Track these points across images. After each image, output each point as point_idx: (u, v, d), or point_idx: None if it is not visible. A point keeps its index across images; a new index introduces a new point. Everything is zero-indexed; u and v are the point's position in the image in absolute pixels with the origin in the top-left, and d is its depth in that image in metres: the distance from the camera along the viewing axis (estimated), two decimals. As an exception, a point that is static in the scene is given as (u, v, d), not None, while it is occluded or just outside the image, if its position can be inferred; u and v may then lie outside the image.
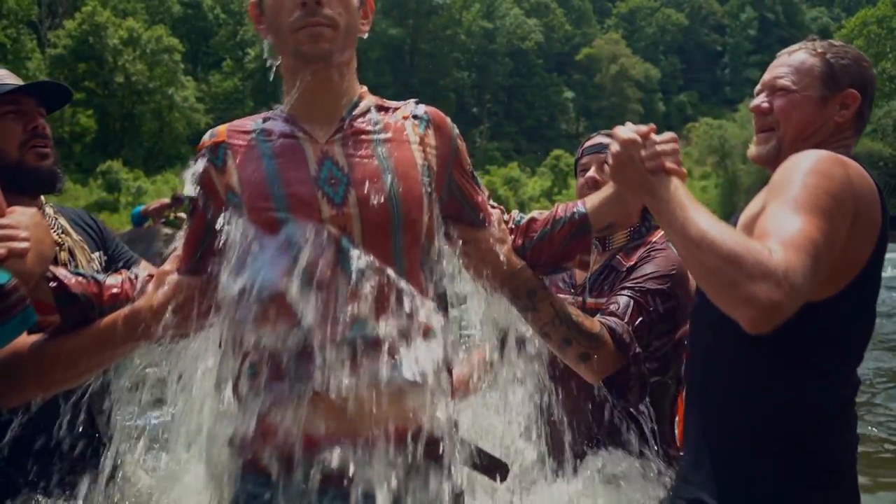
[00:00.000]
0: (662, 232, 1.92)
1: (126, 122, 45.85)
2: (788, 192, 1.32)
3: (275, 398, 1.23)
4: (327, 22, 1.25)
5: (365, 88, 1.42)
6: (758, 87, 1.62)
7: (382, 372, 1.21)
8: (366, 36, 1.38)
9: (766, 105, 1.56)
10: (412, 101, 1.45)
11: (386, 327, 1.23)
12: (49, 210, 1.79)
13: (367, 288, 1.22)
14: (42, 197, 1.76)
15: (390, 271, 1.24)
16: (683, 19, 71.10)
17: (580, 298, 1.92)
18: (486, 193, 1.52)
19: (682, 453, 1.80)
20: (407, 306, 1.24)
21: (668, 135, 1.39)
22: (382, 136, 1.33)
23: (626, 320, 1.70)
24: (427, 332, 1.27)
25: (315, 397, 1.21)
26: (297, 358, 1.22)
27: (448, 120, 1.43)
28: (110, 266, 1.90)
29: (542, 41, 62.58)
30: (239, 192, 1.28)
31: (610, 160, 1.41)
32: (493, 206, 1.52)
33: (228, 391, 1.30)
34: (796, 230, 1.23)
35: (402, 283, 1.25)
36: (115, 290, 1.36)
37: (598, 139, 2.02)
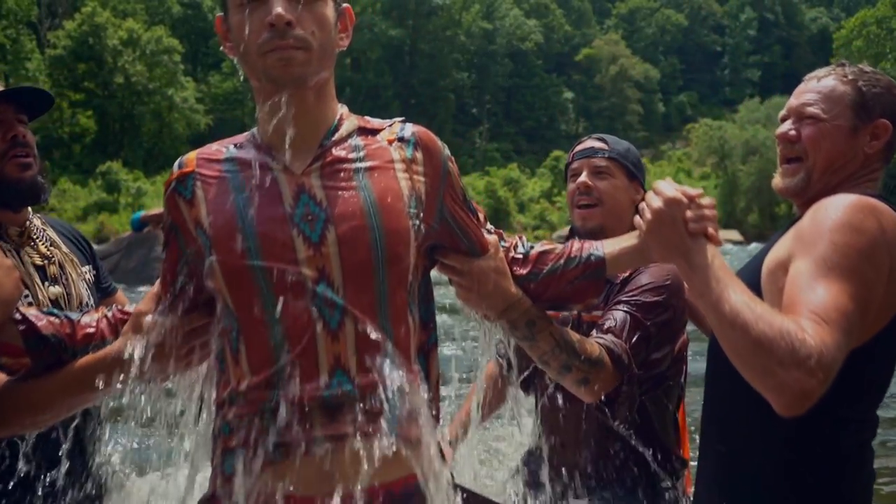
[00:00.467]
0: None
1: (126, 123, 45.85)
2: (818, 250, 1.26)
3: (249, 457, 1.15)
4: (299, 44, 1.14)
5: (345, 109, 1.30)
6: (783, 112, 1.55)
7: (363, 429, 1.13)
8: (345, 48, 1.27)
9: (793, 133, 1.50)
10: (399, 120, 1.33)
11: (366, 382, 1.14)
12: (37, 222, 1.72)
13: (348, 339, 1.14)
14: (29, 208, 1.70)
15: (370, 326, 1.14)
16: (683, 20, 71.12)
17: (574, 312, 1.86)
18: (482, 217, 1.42)
19: (688, 466, 1.78)
20: (389, 359, 1.15)
21: (710, 200, 1.34)
22: (364, 163, 1.21)
23: (623, 337, 1.66)
24: (410, 387, 1.17)
25: (289, 455, 1.14)
26: (272, 414, 1.13)
27: (438, 141, 1.31)
28: (98, 284, 1.84)
29: (541, 42, 62.59)
30: (207, 231, 1.18)
31: (648, 215, 1.33)
32: (490, 232, 1.42)
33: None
34: (828, 302, 1.19)
35: (383, 337, 1.15)
36: (89, 330, 1.28)
37: (589, 143, 1.96)
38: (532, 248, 1.46)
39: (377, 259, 1.15)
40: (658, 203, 1.31)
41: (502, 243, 1.44)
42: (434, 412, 1.27)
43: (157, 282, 1.30)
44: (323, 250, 1.14)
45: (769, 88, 61.51)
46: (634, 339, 1.67)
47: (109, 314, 1.33)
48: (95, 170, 39.48)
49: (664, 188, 1.34)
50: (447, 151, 1.32)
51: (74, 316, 1.32)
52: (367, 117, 1.33)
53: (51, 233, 1.75)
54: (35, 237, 1.68)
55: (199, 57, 56.60)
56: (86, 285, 1.73)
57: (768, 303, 1.26)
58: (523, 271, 1.41)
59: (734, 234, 38.53)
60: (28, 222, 1.67)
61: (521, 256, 1.43)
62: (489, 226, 1.43)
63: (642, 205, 1.36)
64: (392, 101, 55.62)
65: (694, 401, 2.45)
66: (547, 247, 1.46)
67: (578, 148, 1.97)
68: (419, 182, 1.25)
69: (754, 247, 30.11)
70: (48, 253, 1.67)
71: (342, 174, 1.19)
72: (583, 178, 1.89)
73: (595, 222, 1.85)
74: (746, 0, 71.76)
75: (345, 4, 1.25)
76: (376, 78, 55.61)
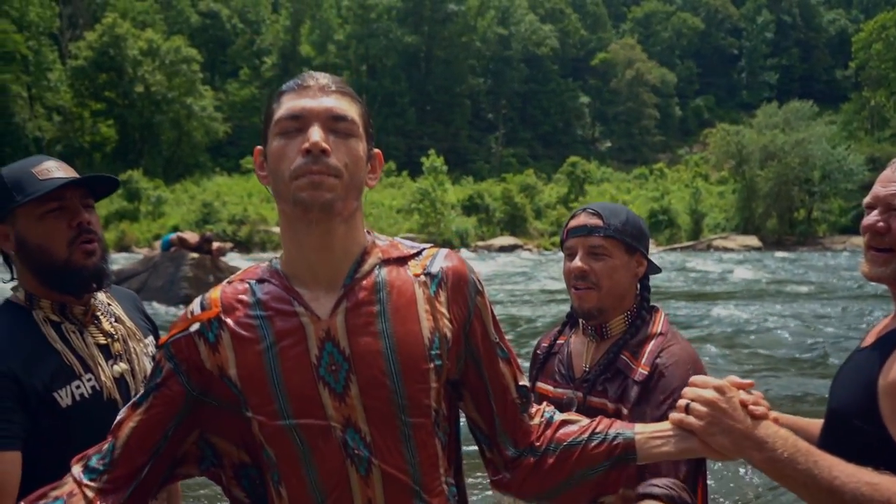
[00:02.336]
0: (663, 314, 1.81)
1: (145, 132, 46.38)
2: None
3: None
4: (331, 171, 1.14)
5: (372, 239, 1.27)
6: (868, 199, 1.52)
7: None
8: (372, 188, 1.25)
9: (882, 225, 1.46)
10: (430, 247, 1.31)
11: None
12: (101, 296, 1.72)
13: (376, 483, 1.18)
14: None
15: (395, 468, 1.18)
16: (699, 23, 70.79)
17: (580, 395, 1.76)
18: (516, 367, 1.33)
19: None
20: (416, 497, 1.19)
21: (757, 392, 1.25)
22: (387, 303, 1.20)
23: (678, 472, 1.53)
24: None
25: None
26: None
27: (468, 275, 1.27)
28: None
29: (557, 47, 62.60)
30: (237, 384, 1.20)
31: (701, 408, 1.23)
32: (526, 389, 1.34)
33: None
34: None
35: (409, 475, 1.19)
36: None
37: (584, 219, 1.78)
38: (554, 415, 1.35)
39: (398, 405, 1.18)
40: (710, 394, 1.23)
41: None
42: None
43: (123, 436, 1.21)
44: (347, 401, 1.17)
45: (787, 91, 61.01)
46: (684, 470, 1.55)
47: (87, 490, 1.21)
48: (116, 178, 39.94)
49: (707, 379, 1.26)
50: (478, 286, 1.29)
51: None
52: (399, 241, 1.31)
53: (115, 307, 1.74)
54: (100, 313, 1.68)
55: (217, 65, 57.17)
56: (149, 359, 1.71)
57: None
58: (540, 443, 1.30)
59: (752, 240, 38.23)
60: (93, 299, 1.68)
61: (541, 424, 1.33)
62: (525, 381, 1.35)
63: (683, 402, 1.26)
64: (408, 107, 55.84)
65: None
66: (571, 416, 1.35)
67: (572, 224, 1.80)
68: (442, 319, 1.23)
69: (774, 255, 29.52)
70: (112, 330, 1.67)
71: (365, 318, 1.19)
72: (577, 262, 1.75)
73: (592, 304, 1.75)
74: (763, 2, 71.29)
75: (376, 149, 1.26)
76: (392, 84, 55.86)
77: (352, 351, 1.18)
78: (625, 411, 1.66)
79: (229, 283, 1.27)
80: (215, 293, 1.25)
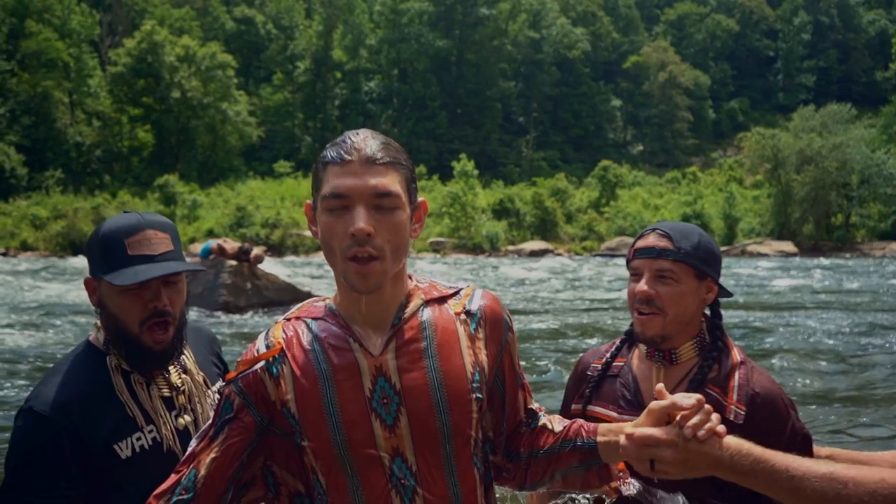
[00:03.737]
0: (731, 339, 1.74)
1: (181, 137, 47.19)
2: None
3: None
4: (376, 253, 1.24)
5: (414, 283, 1.40)
6: None
7: None
8: (417, 237, 1.36)
9: None
10: (467, 287, 1.43)
11: None
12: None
13: None
14: None
15: (438, 496, 1.29)
16: (734, 25, 69.81)
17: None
18: (528, 391, 1.47)
19: None
20: None
21: (689, 400, 1.24)
22: (433, 341, 1.33)
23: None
24: None
25: None
26: None
27: (502, 312, 1.41)
28: None
29: (588, 50, 62.25)
30: (294, 414, 1.29)
31: (669, 468, 1.25)
32: (536, 411, 1.48)
33: None
34: None
35: (452, 500, 1.30)
36: None
37: (652, 240, 1.69)
38: (536, 422, 1.47)
39: (443, 435, 1.29)
40: (666, 451, 1.23)
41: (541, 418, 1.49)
42: None
43: (204, 467, 1.30)
44: (397, 431, 1.28)
45: (825, 94, 59.85)
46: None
47: None
48: (153, 182, 40.70)
49: (645, 434, 1.26)
50: (509, 323, 1.42)
51: None
52: (436, 282, 1.43)
53: (188, 356, 1.73)
54: (170, 365, 1.69)
55: (251, 70, 57.96)
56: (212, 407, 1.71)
57: None
58: (524, 449, 1.45)
59: (788, 246, 37.52)
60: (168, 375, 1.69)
61: (526, 433, 1.47)
62: (535, 404, 1.49)
63: (651, 461, 1.25)
64: (439, 111, 55.99)
65: None
66: (549, 422, 1.46)
67: (640, 244, 1.71)
68: (481, 354, 1.37)
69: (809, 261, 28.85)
70: (179, 382, 1.68)
71: (413, 355, 1.31)
72: (643, 285, 1.67)
73: (655, 331, 1.67)
74: (800, 3, 70.07)
75: (420, 199, 1.34)
76: (423, 88, 56.08)
77: (402, 385, 1.29)
78: None
79: (287, 320, 1.38)
80: (277, 331, 1.36)
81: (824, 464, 1.21)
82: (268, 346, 1.33)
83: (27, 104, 43.84)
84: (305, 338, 1.33)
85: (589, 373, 1.83)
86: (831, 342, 10.06)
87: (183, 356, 1.72)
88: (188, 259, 1.80)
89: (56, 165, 42.58)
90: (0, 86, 43.71)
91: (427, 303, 1.37)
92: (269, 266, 14.08)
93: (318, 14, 58.17)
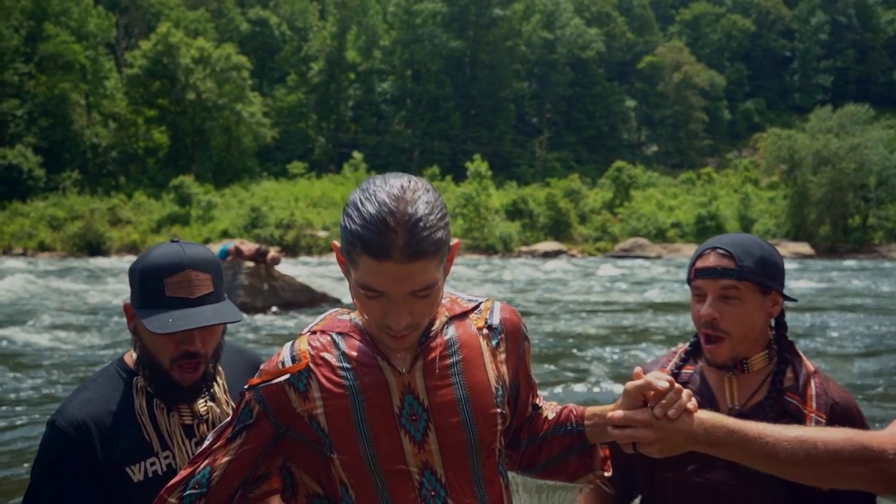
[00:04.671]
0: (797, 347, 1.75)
1: (196, 138, 47.50)
2: None
3: None
4: (413, 328, 1.25)
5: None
6: None
7: None
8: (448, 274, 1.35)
9: None
10: (487, 301, 1.45)
11: None
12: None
13: None
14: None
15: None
16: (750, 25, 69.30)
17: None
18: (535, 390, 1.54)
19: None
20: None
21: (662, 382, 1.28)
22: (458, 357, 1.35)
23: None
24: None
25: None
26: None
27: (520, 323, 1.44)
28: None
29: (603, 50, 62.05)
30: (325, 429, 1.30)
31: (652, 449, 1.30)
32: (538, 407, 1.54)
33: None
34: None
35: None
36: None
37: (714, 259, 1.63)
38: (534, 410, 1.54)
39: (471, 448, 1.33)
40: (643, 431, 1.28)
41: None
42: None
43: (218, 474, 1.33)
44: (426, 447, 1.30)
45: (842, 94, 59.33)
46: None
47: None
48: (168, 183, 41.04)
49: (627, 422, 1.31)
50: (526, 334, 1.47)
51: None
52: (457, 297, 1.44)
53: (218, 384, 1.71)
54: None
55: (266, 72, 58.24)
56: None
57: None
58: (524, 436, 1.51)
59: (804, 248, 37.19)
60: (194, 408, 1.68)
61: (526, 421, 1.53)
62: (539, 400, 1.55)
63: (634, 443, 1.32)
64: (452, 112, 56.02)
65: None
66: (544, 409, 1.53)
67: (700, 265, 1.65)
68: (502, 367, 1.41)
69: (825, 264, 28.56)
70: (203, 411, 1.66)
71: (440, 372, 1.34)
72: (707, 308, 1.62)
73: (724, 358, 1.65)
74: (818, 3, 69.47)
75: (454, 242, 1.30)
76: (437, 89, 56.13)
77: (430, 403, 1.31)
78: None
79: (312, 333, 1.36)
80: (303, 345, 1.34)
81: (794, 428, 1.29)
82: (293, 360, 1.32)
83: (45, 106, 44.35)
84: (334, 354, 1.33)
85: None
86: (854, 345, 9.98)
87: (216, 386, 1.69)
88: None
89: (73, 167, 43.04)
90: (18, 88, 44.26)
91: (451, 319, 1.39)
92: (284, 267, 14.17)
93: (332, 15, 58.37)
